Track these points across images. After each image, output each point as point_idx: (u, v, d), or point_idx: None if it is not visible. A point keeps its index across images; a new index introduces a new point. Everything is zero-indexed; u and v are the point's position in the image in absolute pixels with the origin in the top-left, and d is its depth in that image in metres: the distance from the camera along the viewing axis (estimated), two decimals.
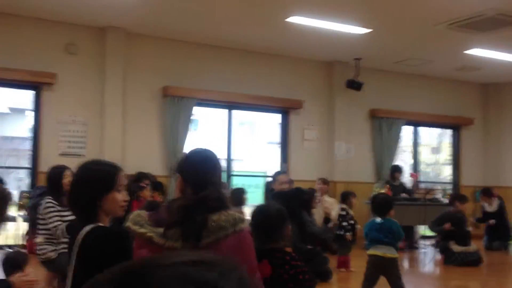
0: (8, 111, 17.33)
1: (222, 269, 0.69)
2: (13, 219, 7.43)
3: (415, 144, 12.19)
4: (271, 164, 11.44)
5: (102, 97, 8.64)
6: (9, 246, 7.64)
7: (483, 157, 12.35)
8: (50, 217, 4.66)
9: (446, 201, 9.69)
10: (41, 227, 4.77)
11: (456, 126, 12.28)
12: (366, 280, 5.05)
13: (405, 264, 8.74)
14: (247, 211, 6.93)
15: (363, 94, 10.49)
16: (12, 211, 7.08)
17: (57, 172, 4.86)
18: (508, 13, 7.53)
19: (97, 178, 2.38)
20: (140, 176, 6.97)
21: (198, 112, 10.12)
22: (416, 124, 11.92)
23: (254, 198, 8.76)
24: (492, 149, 12.33)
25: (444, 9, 7.52)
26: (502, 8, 7.39)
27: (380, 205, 5.13)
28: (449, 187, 12.20)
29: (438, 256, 8.69)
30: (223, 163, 8.53)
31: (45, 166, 5.23)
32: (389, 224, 5.00)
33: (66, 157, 8.10)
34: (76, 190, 2.41)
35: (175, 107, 9.07)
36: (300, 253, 3.64)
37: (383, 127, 11.02)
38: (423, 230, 10.63)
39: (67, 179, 4.76)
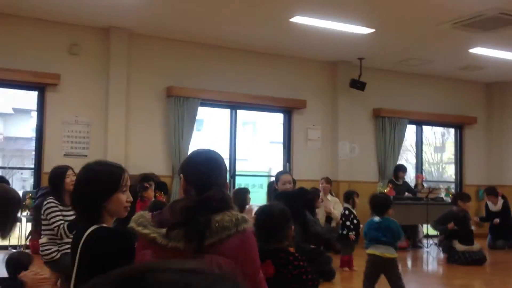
0: (12, 111, 17.37)
1: (216, 277, 0.71)
2: (18, 219, 7.44)
3: (419, 143, 12.18)
4: (275, 164, 11.45)
5: (105, 98, 8.66)
6: (13, 247, 7.67)
7: (487, 156, 12.34)
8: (52, 217, 4.68)
9: (449, 200, 9.68)
10: (44, 227, 4.79)
11: (459, 125, 12.27)
12: (366, 280, 5.06)
13: (409, 263, 8.75)
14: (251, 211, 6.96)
15: (367, 93, 10.49)
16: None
17: (59, 172, 4.89)
18: (511, 12, 7.52)
19: (101, 179, 2.38)
20: (145, 178, 7.00)
21: (202, 113, 10.12)
22: (419, 123, 11.91)
23: (258, 198, 8.77)
24: (495, 148, 12.31)
25: (447, 8, 7.52)
26: (504, 7, 7.38)
27: (378, 204, 5.13)
28: (453, 186, 12.19)
29: (442, 255, 8.70)
30: (227, 163, 8.55)
31: (49, 167, 5.25)
32: (387, 223, 4.99)
33: (70, 158, 8.13)
34: (80, 191, 2.41)
35: (179, 107, 9.08)
36: (303, 253, 3.65)
37: (387, 127, 11.02)
38: (427, 229, 10.63)
39: (69, 178, 4.79)
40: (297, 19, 8.03)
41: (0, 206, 2.91)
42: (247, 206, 7.29)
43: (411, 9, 7.60)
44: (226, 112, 10.10)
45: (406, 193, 10.13)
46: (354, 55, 10.13)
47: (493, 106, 12.42)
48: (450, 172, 13.42)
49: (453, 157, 12.82)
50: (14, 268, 3.58)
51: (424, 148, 12.66)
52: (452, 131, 12.77)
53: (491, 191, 10.41)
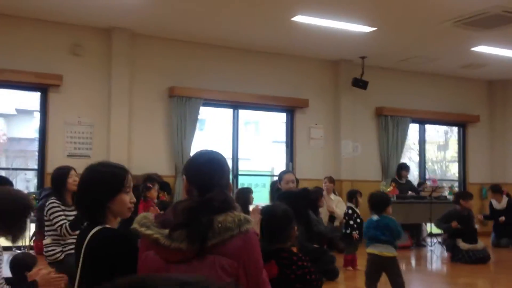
0: (15, 112, 17.40)
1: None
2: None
3: (422, 141, 12.17)
4: (277, 163, 11.45)
5: (108, 98, 8.68)
6: (18, 248, 7.69)
7: (490, 154, 12.32)
8: (55, 217, 4.70)
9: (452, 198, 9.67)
10: (47, 228, 4.80)
11: (462, 123, 12.26)
12: (367, 279, 5.07)
13: (413, 262, 8.74)
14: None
15: (369, 92, 10.48)
16: None
17: (61, 173, 4.90)
18: None
19: (105, 181, 2.39)
20: (148, 179, 7.01)
21: (204, 112, 10.13)
22: (422, 121, 11.90)
23: (260, 197, 8.78)
24: (498, 146, 12.29)
25: (449, 7, 7.50)
26: (506, 5, 7.37)
27: (376, 202, 5.12)
28: (456, 184, 12.18)
29: (445, 254, 8.69)
30: (230, 163, 8.55)
31: (52, 167, 5.26)
32: (385, 221, 4.98)
33: (73, 158, 8.15)
34: (84, 192, 2.42)
35: (181, 107, 9.09)
36: (307, 252, 3.65)
37: (389, 125, 11.01)
38: (430, 227, 10.62)
39: (72, 178, 4.80)
40: (299, 18, 8.03)
41: (12, 211, 2.94)
42: (253, 206, 7.30)
43: (412, 7, 7.59)
44: (229, 111, 10.11)
45: (410, 192, 10.12)
46: (356, 54, 10.12)
47: (495, 104, 12.40)
48: (453, 170, 13.39)
49: (456, 155, 12.81)
50: (18, 269, 3.59)
51: (427, 146, 12.64)
52: (455, 129, 12.75)
53: (496, 189, 10.40)
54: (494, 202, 10.40)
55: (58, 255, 4.71)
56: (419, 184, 10.87)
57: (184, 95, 9.11)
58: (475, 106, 12.20)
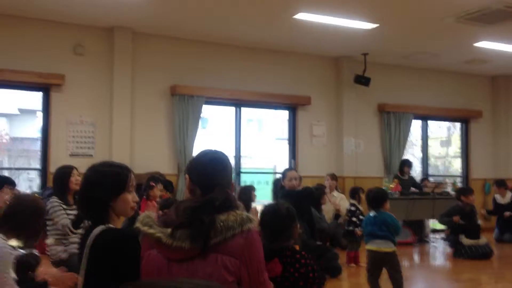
0: (17, 112, 17.41)
1: None
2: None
3: (424, 137, 12.15)
4: (280, 160, 11.45)
5: (110, 97, 8.68)
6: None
7: (493, 150, 12.30)
8: (57, 216, 4.71)
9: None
10: (49, 228, 4.81)
11: (465, 119, 12.24)
12: (369, 275, 5.07)
13: (416, 258, 8.74)
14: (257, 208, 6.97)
15: (371, 89, 10.47)
16: None
17: (63, 172, 4.91)
18: None
19: (108, 180, 2.40)
20: (152, 179, 7.02)
21: (206, 110, 10.13)
22: (425, 117, 11.88)
23: (263, 195, 8.78)
24: (501, 141, 12.27)
25: (451, 2, 7.48)
26: (508, 1, 7.34)
27: (373, 198, 5.12)
28: (459, 180, 12.17)
29: (448, 250, 8.68)
30: (232, 161, 8.56)
31: (55, 167, 5.27)
32: (383, 217, 4.97)
33: (75, 158, 8.16)
34: (87, 192, 2.43)
35: (184, 105, 9.09)
36: (309, 250, 3.65)
37: (392, 122, 10.99)
38: (433, 223, 10.61)
39: (74, 177, 4.81)
40: (301, 16, 8.02)
41: (28, 216, 2.98)
42: (255, 204, 7.32)
43: (414, 3, 7.58)
44: (231, 109, 10.10)
45: (412, 188, 10.11)
46: (358, 51, 10.11)
47: (498, 99, 12.38)
48: (456, 166, 13.37)
49: (459, 151, 12.79)
50: (22, 269, 3.60)
51: (430, 142, 12.62)
52: (458, 125, 12.73)
53: (501, 183, 10.42)
54: (498, 197, 10.41)
55: (61, 254, 4.72)
56: (421, 180, 10.87)
57: (186, 94, 9.10)
58: (478, 102, 12.17)
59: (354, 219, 7.23)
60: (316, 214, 7.01)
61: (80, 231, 4.45)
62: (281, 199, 5.66)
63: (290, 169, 7.37)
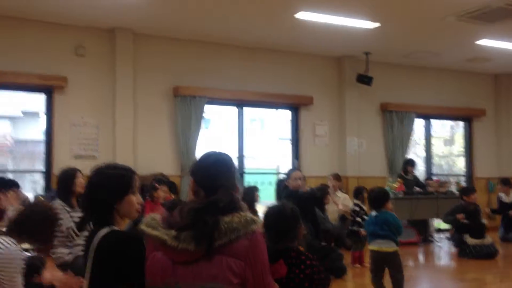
0: (21, 114, 17.44)
1: None
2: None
3: (428, 136, 12.13)
4: (283, 161, 11.44)
5: (112, 99, 8.69)
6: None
7: (496, 148, 12.28)
8: (61, 219, 4.70)
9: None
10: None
11: (468, 117, 12.22)
12: (373, 276, 5.06)
13: (420, 257, 8.72)
14: (261, 209, 6.97)
15: (374, 88, 10.46)
16: None
17: (67, 175, 4.90)
18: None
19: (113, 183, 2.40)
20: (157, 181, 7.02)
21: (209, 111, 10.12)
22: (427, 116, 11.86)
23: (267, 195, 8.77)
24: (504, 139, 12.25)
25: (452, 1, 7.47)
26: None
27: (375, 198, 5.10)
28: (463, 179, 12.15)
29: (453, 249, 8.66)
30: (235, 161, 8.54)
31: (59, 169, 5.27)
32: (384, 216, 4.96)
33: (79, 159, 8.17)
34: (92, 194, 2.43)
35: (186, 106, 9.09)
36: (314, 251, 3.65)
37: (395, 121, 10.98)
38: (437, 223, 10.59)
39: (78, 179, 4.81)
40: (302, 15, 8.02)
41: (39, 223, 3.00)
42: (259, 204, 7.31)
43: (416, 2, 7.57)
44: (233, 110, 10.10)
45: (416, 188, 10.09)
46: (360, 50, 10.10)
47: (501, 97, 12.36)
48: (460, 165, 13.35)
49: (462, 150, 12.77)
50: (28, 272, 3.60)
51: (433, 141, 12.59)
52: (461, 123, 12.71)
53: (506, 182, 10.40)
54: (502, 195, 10.38)
55: (66, 257, 4.72)
56: (425, 180, 10.84)
57: (189, 94, 9.11)
58: (480, 100, 12.15)
59: (358, 219, 7.22)
60: (320, 215, 7.01)
61: (84, 233, 4.45)
62: (284, 199, 5.66)
63: (294, 169, 7.37)
